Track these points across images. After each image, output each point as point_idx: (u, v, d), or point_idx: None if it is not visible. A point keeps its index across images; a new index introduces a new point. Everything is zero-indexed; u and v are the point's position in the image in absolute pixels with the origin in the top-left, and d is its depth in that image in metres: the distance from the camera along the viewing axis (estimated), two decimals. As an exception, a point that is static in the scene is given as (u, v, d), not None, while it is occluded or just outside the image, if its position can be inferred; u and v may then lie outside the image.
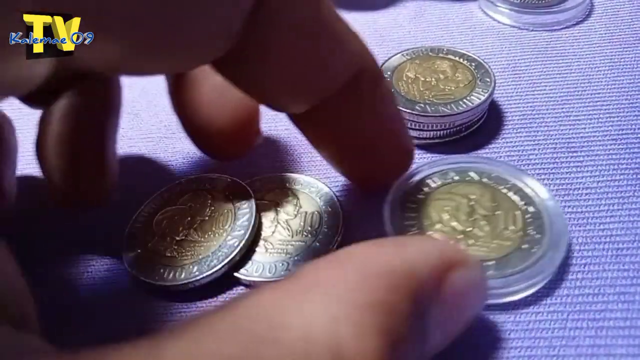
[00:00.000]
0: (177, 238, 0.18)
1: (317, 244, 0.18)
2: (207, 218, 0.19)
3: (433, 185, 0.19)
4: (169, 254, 0.18)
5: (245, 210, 0.19)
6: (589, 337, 0.15)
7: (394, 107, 0.18)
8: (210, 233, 0.18)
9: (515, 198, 0.18)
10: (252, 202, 0.19)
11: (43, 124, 0.18)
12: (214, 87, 0.17)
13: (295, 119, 0.17)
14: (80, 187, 0.18)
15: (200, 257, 0.18)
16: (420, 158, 0.21)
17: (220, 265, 0.17)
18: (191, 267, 0.17)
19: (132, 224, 0.19)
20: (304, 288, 0.11)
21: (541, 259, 0.16)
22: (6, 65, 0.11)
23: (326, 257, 0.12)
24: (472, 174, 0.19)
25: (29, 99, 0.19)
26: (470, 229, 0.17)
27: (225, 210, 0.19)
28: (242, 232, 0.18)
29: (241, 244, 0.18)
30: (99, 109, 0.18)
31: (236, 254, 0.17)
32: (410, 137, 0.19)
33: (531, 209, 0.18)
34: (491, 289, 0.16)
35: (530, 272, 0.16)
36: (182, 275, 0.17)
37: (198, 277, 0.17)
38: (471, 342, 0.16)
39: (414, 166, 0.19)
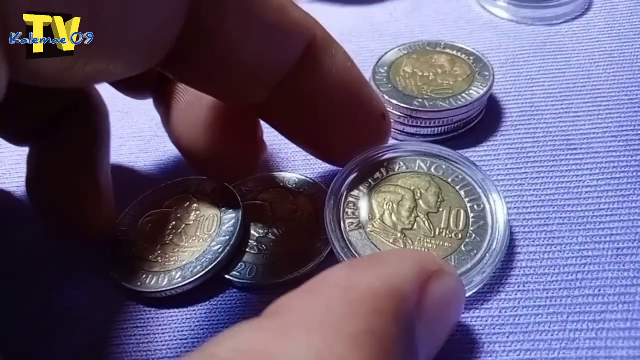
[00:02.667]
0: (161, 243, 0.18)
1: (313, 245, 0.18)
2: (192, 223, 0.18)
3: (379, 175, 0.18)
4: (152, 259, 0.18)
5: (232, 215, 0.18)
6: (588, 339, 0.15)
7: (354, 71, 0.17)
8: (194, 238, 0.18)
9: (462, 193, 0.17)
10: (239, 206, 0.18)
11: (32, 161, 0.18)
12: (207, 109, 0.17)
13: (259, 110, 0.17)
14: (78, 220, 0.17)
15: (184, 263, 0.17)
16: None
17: (203, 272, 0.17)
18: (174, 273, 0.17)
19: (117, 227, 0.19)
20: (285, 326, 0.10)
21: (479, 263, 0.16)
22: None
23: (301, 288, 0.11)
24: (421, 164, 0.18)
25: (14, 136, 0.18)
26: (411, 227, 0.17)
27: (211, 215, 0.18)
28: (228, 237, 0.17)
29: (226, 251, 0.17)
30: (87, 140, 0.18)
31: (220, 261, 0.17)
32: (380, 100, 0.18)
33: (476, 207, 0.17)
34: None
35: (466, 277, 0.15)
36: (165, 282, 0.17)
37: (181, 284, 0.17)
38: (469, 345, 0.15)
39: (360, 157, 0.18)
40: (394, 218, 0.17)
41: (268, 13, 0.14)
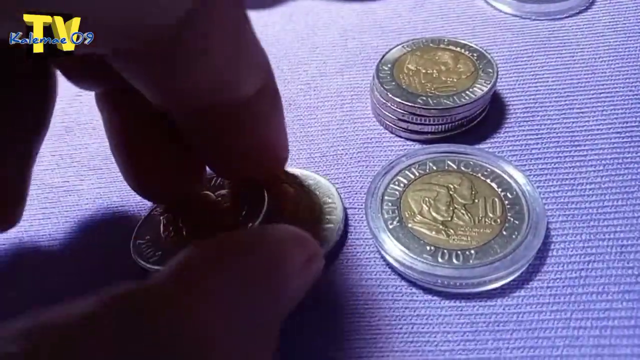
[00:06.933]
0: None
1: (317, 240, 0.18)
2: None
3: (412, 176, 0.19)
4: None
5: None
6: (592, 337, 0.15)
7: (283, 121, 0.17)
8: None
9: (494, 185, 0.18)
10: (264, 200, 0.18)
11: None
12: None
13: (187, 122, 0.16)
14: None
15: None
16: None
17: None
18: None
19: (139, 229, 0.18)
20: None
21: (521, 245, 0.16)
22: None
23: None
24: (449, 162, 0.19)
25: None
26: (450, 219, 0.17)
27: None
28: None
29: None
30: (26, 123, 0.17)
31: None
32: (287, 147, 0.18)
33: (509, 195, 0.18)
34: (473, 278, 0.16)
35: (511, 258, 0.16)
36: None
37: None
38: (473, 342, 0.16)
39: (391, 158, 0.19)
40: (432, 212, 0.18)
41: (243, 46, 0.14)
